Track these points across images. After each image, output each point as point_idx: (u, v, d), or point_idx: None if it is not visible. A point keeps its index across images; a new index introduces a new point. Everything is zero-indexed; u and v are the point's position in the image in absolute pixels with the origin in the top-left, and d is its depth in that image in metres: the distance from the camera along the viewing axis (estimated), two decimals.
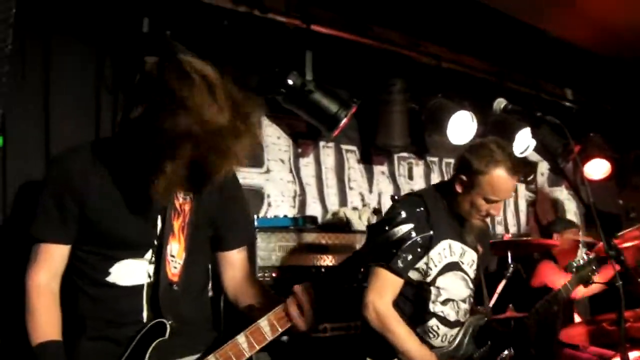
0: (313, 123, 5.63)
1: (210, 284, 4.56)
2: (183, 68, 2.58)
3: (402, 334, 3.90)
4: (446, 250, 4.13)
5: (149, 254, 2.88)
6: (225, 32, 5.04)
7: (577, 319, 6.61)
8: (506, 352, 4.72)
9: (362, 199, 6.55)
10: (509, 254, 5.70)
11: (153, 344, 2.78)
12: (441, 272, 4.10)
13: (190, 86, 2.52)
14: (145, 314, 2.86)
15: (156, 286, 2.86)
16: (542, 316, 4.79)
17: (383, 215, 3.93)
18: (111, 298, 2.85)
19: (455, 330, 4.17)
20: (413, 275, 4.06)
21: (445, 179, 7.20)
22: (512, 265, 5.50)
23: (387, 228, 2.74)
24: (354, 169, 6.52)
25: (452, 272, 4.15)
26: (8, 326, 3.90)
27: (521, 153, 6.88)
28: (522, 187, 8.18)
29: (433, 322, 4.09)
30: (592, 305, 7.48)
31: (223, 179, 2.82)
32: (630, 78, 7.51)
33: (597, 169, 8.11)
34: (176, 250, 2.92)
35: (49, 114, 4.50)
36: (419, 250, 3.98)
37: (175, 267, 2.91)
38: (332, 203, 6.25)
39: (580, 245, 7.12)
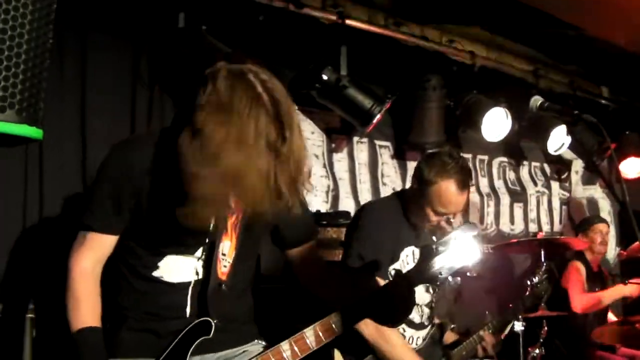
0: (347, 118, 5.64)
1: None
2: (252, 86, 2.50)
3: (399, 345, 3.89)
4: (409, 257, 4.14)
5: (199, 252, 2.84)
6: (261, 27, 5.06)
7: (612, 318, 6.59)
8: (537, 350, 4.72)
9: None
10: (542, 253, 5.67)
11: (197, 342, 2.78)
12: None
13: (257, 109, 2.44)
14: (188, 310, 2.84)
15: (205, 285, 2.83)
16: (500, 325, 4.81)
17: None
18: (155, 292, 2.83)
19: (421, 332, 4.20)
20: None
21: (479, 175, 7.20)
22: (544, 264, 5.47)
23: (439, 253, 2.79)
24: (387, 165, 6.52)
25: None
26: (46, 319, 3.95)
27: (556, 151, 6.84)
28: (556, 185, 8.13)
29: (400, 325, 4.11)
30: (625, 306, 7.43)
31: None
32: None
33: (633, 167, 8.03)
34: (227, 248, 2.89)
35: (85, 108, 4.55)
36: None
37: (225, 266, 2.88)
38: (365, 198, 6.24)
39: (612, 243, 7.08)
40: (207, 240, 2.83)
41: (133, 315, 2.85)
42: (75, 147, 4.49)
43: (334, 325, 2.84)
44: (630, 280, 6.07)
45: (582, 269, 6.51)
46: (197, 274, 2.85)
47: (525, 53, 6.91)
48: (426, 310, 4.25)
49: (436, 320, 4.39)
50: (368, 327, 3.83)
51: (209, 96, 2.50)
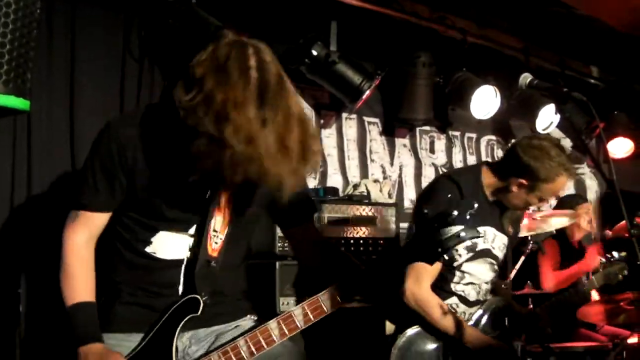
0: (336, 94, 5.63)
1: None
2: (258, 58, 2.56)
3: (437, 317, 3.91)
4: (480, 238, 4.15)
5: (193, 229, 2.84)
6: (251, 1, 5.03)
7: (595, 297, 6.62)
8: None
9: (384, 172, 6.55)
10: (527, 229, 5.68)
11: (185, 319, 2.78)
12: (470, 259, 4.12)
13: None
14: (181, 288, 2.84)
15: (194, 262, 2.83)
16: (557, 309, 4.79)
17: (430, 203, 3.98)
18: (148, 268, 2.84)
19: (474, 309, 4.20)
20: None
21: (467, 153, 7.20)
22: (531, 242, 5.49)
23: (436, 226, 2.76)
24: (376, 141, 6.52)
25: (481, 258, 4.17)
26: (36, 294, 3.95)
27: (544, 129, 6.85)
28: None
29: (452, 300, 4.12)
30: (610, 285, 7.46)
31: None
32: None
33: (621, 147, 8.06)
34: (219, 224, 2.87)
35: (74, 81, 4.53)
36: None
37: (216, 243, 2.87)
38: (353, 175, 6.25)
39: (592, 221, 7.09)
40: (199, 215, 2.82)
41: (127, 289, 2.86)
42: (64, 120, 4.48)
43: (323, 305, 2.83)
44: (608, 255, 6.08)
45: (557, 246, 6.53)
46: (190, 250, 2.85)
47: (515, 31, 6.90)
48: (484, 287, 4.25)
49: (490, 296, 4.38)
50: (410, 301, 3.88)
51: (209, 54, 2.52)
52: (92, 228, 2.81)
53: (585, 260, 6.27)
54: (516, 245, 7.00)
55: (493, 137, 7.53)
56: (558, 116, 6.72)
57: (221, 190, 2.82)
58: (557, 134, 7.85)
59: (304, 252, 3.29)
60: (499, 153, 7.58)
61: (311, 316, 2.82)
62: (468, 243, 4.03)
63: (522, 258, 5.60)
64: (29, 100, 3.37)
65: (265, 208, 3.03)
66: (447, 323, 3.91)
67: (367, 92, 5.49)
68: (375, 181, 6.28)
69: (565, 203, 6.89)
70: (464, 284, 4.13)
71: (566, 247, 6.58)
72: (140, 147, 2.71)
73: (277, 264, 4.93)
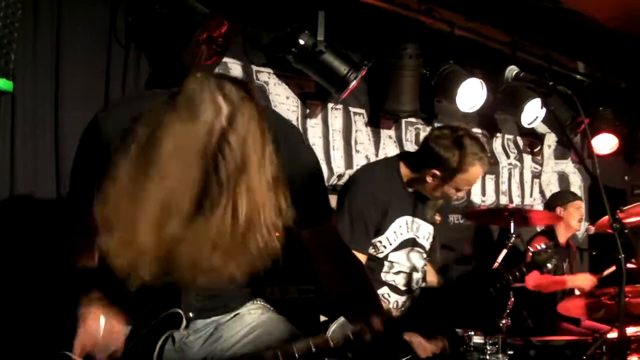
0: (322, 84, 5.63)
1: None
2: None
3: None
4: (402, 228, 4.18)
5: None
6: None
7: (576, 291, 6.65)
8: (504, 321, 4.75)
9: (368, 162, 6.55)
10: (512, 225, 5.70)
11: (164, 336, 2.66)
12: (396, 249, 4.16)
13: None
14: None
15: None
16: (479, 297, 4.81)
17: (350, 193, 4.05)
18: None
19: (405, 297, 4.24)
20: (369, 249, 4.12)
21: None
22: (513, 236, 5.51)
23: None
24: (361, 132, 6.51)
25: (407, 247, 4.21)
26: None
27: (529, 124, 6.88)
28: (528, 159, 8.16)
29: (384, 290, 4.17)
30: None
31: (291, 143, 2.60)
32: None
33: (605, 143, 8.10)
34: None
35: (59, 64, 4.48)
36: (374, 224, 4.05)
37: None
38: (338, 165, 6.24)
39: (583, 219, 7.13)
40: None
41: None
42: (48, 102, 4.44)
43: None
44: (605, 273, 6.13)
45: (543, 240, 6.54)
46: None
47: (503, 25, 6.90)
48: (416, 276, 4.28)
49: (422, 284, 4.41)
50: None
51: None
52: (88, 221, 2.52)
53: (578, 279, 6.32)
54: (498, 239, 7.07)
55: (478, 130, 7.51)
56: (543, 111, 6.74)
57: None
58: (543, 129, 7.90)
59: (315, 261, 2.90)
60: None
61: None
62: (390, 234, 4.08)
63: (504, 252, 5.62)
64: (11, 82, 3.34)
65: None
66: None
67: (354, 83, 5.50)
68: None
69: (556, 199, 6.92)
70: (394, 273, 4.18)
71: (554, 244, 6.60)
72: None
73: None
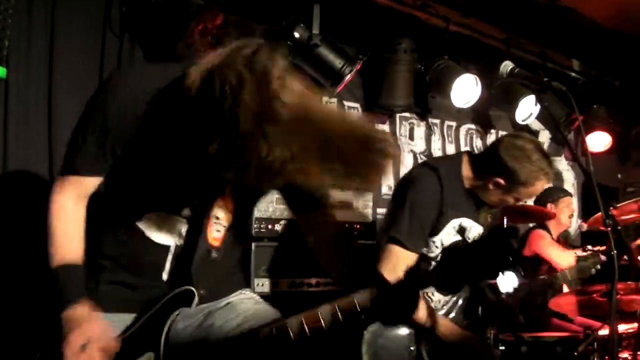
0: (317, 77, 5.61)
1: None
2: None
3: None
4: (456, 229, 4.16)
5: (187, 211, 2.66)
6: None
7: (565, 288, 6.66)
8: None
9: None
10: (505, 220, 5.70)
11: (176, 313, 2.64)
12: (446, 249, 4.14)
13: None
14: (165, 275, 2.71)
15: (192, 249, 2.67)
16: (528, 298, 4.81)
17: (412, 191, 3.98)
18: (136, 246, 2.69)
19: (449, 296, 4.22)
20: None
21: (447, 141, 7.20)
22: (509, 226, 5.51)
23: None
24: None
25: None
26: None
27: (524, 120, 6.89)
28: None
29: (429, 289, 4.14)
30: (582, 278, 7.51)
31: None
32: (638, 53, 7.48)
33: (599, 141, 8.11)
34: (222, 212, 2.70)
35: (53, 52, 4.48)
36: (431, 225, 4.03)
37: (218, 231, 2.71)
38: None
39: (575, 215, 7.14)
40: (198, 202, 2.66)
41: (110, 266, 2.74)
42: (42, 90, 4.43)
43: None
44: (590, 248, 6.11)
45: (547, 234, 6.57)
46: (180, 237, 2.70)
47: (498, 21, 6.90)
48: None
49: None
50: None
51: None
52: (80, 191, 2.63)
53: (554, 254, 6.32)
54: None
55: (472, 126, 7.53)
56: (538, 107, 6.75)
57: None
58: (537, 125, 7.89)
59: (316, 247, 2.89)
60: (477, 142, 7.59)
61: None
62: (444, 235, 4.07)
63: None
64: (5, 69, 3.33)
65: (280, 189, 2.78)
66: (420, 313, 3.92)
67: (348, 77, 5.50)
68: None
69: (546, 196, 6.92)
70: None
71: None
72: (146, 110, 2.43)
73: (253, 245, 4.92)
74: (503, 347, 4.65)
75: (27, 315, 3.79)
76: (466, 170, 4.19)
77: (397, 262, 3.88)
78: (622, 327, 5.10)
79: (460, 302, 4.21)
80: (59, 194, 2.63)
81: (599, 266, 5.10)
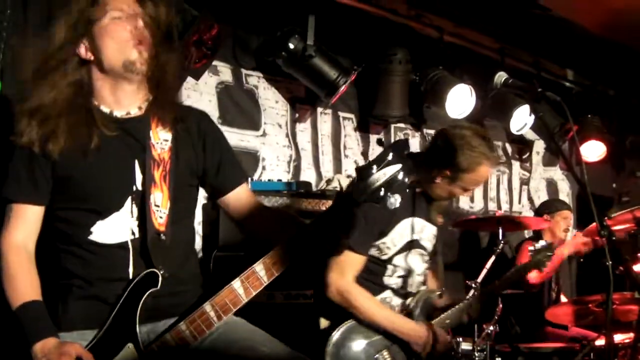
0: (312, 88, 5.63)
1: (201, 245, 4.58)
2: None
3: (366, 306, 3.92)
4: (407, 229, 4.17)
5: (127, 204, 2.83)
6: None
7: (563, 299, 6.66)
8: (491, 327, 4.74)
9: None
10: (500, 231, 5.70)
11: (145, 295, 2.75)
12: (399, 251, 4.14)
13: None
14: (131, 270, 2.82)
15: (144, 237, 2.82)
16: (488, 296, 4.78)
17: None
18: (95, 256, 2.81)
19: (408, 300, 4.22)
20: (372, 251, 4.09)
21: None
22: (502, 242, 5.51)
23: (373, 171, 2.71)
24: (350, 137, 6.51)
25: (410, 250, 4.19)
26: None
27: (518, 130, 6.89)
28: (516, 165, 8.18)
29: (387, 294, 4.15)
30: (578, 286, 7.53)
31: (201, 126, 3.06)
32: (633, 63, 7.50)
33: (593, 150, 8.11)
34: (160, 199, 2.87)
35: None
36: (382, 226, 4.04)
37: (161, 217, 2.86)
38: (327, 170, 6.24)
39: (570, 229, 7.13)
40: (134, 190, 2.85)
41: (78, 283, 2.83)
42: None
43: (281, 258, 2.80)
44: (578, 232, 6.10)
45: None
46: (132, 233, 2.84)
47: (492, 31, 6.91)
48: (417, 279, 4.27)
49: (423, 287, 4.39)
50: (334, 294, 3.89)
51: None
52: (26, 225, 2.81)
53: (568, 245, 6.28)
54: (487, 245, 7.08)
55: None
56: (532, 117, 6.75)
57: (151, 165, 2.87)
58: (531, 135, 7.91)
59: (246, 217, 3.19)
60: None
61: (273, 270, 2.79)
62: (395, 235, 4.06)
63: (493, 258, 5.61)
64: (0, 81, 3.32)
65: (198, 179, 3.10)
66: (379, 316, 3.93)
67: (343, 87, 5.51)
68: (349, 177, 6.27)
69: (544, 207, 6.93)
70: (397, 277, 4.16)
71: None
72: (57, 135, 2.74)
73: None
74: (500, 358, 4.65)
75: None
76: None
77: (345, 265, 3.89)
78: (619, 337, 5.10)
79: (419, 308, 4.21)
80: (7, 231, 2.82)
81: (550, 256, 5.08)
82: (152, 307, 2.79)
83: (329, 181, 6.05)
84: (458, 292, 4.76)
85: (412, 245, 4.20)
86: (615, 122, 8.62)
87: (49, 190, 2.81)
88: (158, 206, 2.87)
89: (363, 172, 2.69)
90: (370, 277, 4.09)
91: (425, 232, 4.28)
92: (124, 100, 2.92)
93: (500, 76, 3.91)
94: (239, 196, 3.17)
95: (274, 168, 5.84)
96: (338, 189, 5.83)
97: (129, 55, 2.80)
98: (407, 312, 4.20)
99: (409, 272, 4.21)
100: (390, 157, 2.68)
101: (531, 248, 5.06)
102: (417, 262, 4.26)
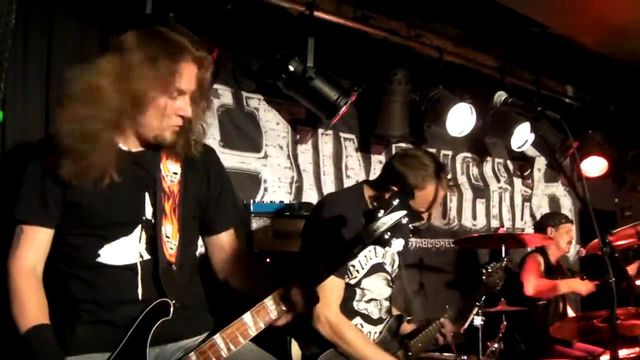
0: (312, 110, 5.64)
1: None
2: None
3: (357, 341, 3.89)
4: (371, 252, 4.15)
5: (137, 231, 2.87)
6: (229, 16, 5.03)
7: (571, 313, 6.66)
8: (496, 345, 4.75)
9: None
10: (503, 248, 5.71)
11: (156, 324, 2.79)
12: (367, 274, 4.12)
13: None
14: (140, 292, 2.85)
15: (155, 265, 2.86)
16: (460, 315, 4.77)
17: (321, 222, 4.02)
18: (104, 279, 2.83)
19: (379, 327, 4.20)
20: None
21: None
22: (505, 259, 5.51)
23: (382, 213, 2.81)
24: (352, 158, 6.52)
25: (376, 273, 4.18)
26: None
27: (519, 148, 6.91)
28: (518, 182, 8.19)
29: (357, 321, 4.11)
30: (583, 302, 7.51)
31: (207, 160, 3.14)
32: (631, 78, 7.52)
33: (594, 166, 8.13)
34: (170, 231, 2.93)
35: (49, 91, 4.49)
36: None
37: (171, 249, 2.91)
38: (329, 190, 6.24)
39: (573, 242, 7.14)
40: (143, 219, 2.89)
41: (85, 308, 2.84)
42: (38, 132, 4.43)
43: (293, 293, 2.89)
44: (588, 278, 6.14)
45: (541, 260, 6.58)
46: (141, 256, 2.87)
47: (492, 49, 6.94)
48: (385, 304, 4.26)
49: (394, 312, 4.39)
50: (324, 327, 3.83)
51: None
52: (36, 249, 2.82)
53: (577, 283, 6.31)
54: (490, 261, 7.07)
55: (469, 155, 7.56)
56: (533, 135, 6.77)
57: (162, 197, 2.93)
58: (532, 152, 7.93)
59: (224, 265, 3.28)
60: (474, 171, 7.63)
61: (283, 306, 2.88)
62: (361, 258, 4.06)
63: None
64: (2, 111, 3.34)
65: (201, 212, 3.16)
66: (367, 351, 3.90)
67: (344, 108, 5.52)
68: None
69: (547, 220, 6.94)
70: (366, 302, 4.14)
71: (546, 263, 6.64)
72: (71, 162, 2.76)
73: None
74: None
75: None
76: (368, 192, 4.19)
77: (329, 293, 3.84)
78: (624, 352, 5.10)
79: (389, 332, 4.21)
80: (17, 255, 2.82)
81: (503, 278, 5.08)
82: (161, 332, 2.82)
83: None
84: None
85: (377, 268, 4.18)
86: (616, 137, 8.64)
87: (59, 214, 2.83)
88: (168, 237, 2.92)
89: (371, 215, 2.81)
90: (341, 303, 3.99)
91: (387, 257, 4.27)
92: (142, 142, 2.97)
93: (500, 95, 3.93)
94: (222, 241, 3.28)
95: (275, 190, 5.85)
96: None
97: (164, 135, 2.90)
98: (379, 340, 4.19)
99: (376, 297, 4.20)
100: (396, 202, 2.82)
101: (483, 269, 5.03)
102: (384, 286, 4.24)
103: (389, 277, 4.26)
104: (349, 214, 3.80)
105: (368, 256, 4.12)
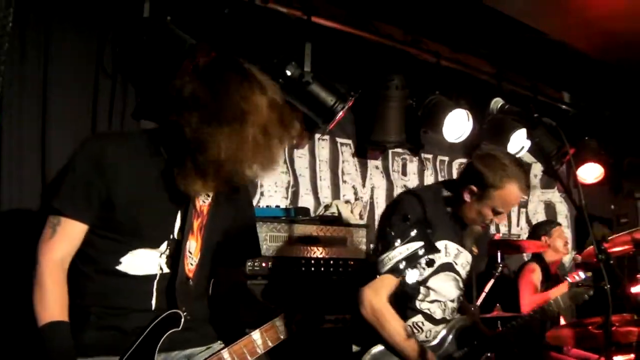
0: (309, 115, 5.63)
1: None
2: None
3: (395, 331, 3.89)
4: (442, 251, 4.13)
5: (163, 246, 2.89)
6: (226, 20, 5.04)
7: (562, 321, 6.65)
8: (488, 354, 4.73)
9: (355, 193, 6.55)
10: (499, 254, 5.72)
11: (166, 334, 2.82)
12: (434, 273, 4.10)
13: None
14: (154, 303, 2.86)
15: (173, 278, 2.88)
16: (524, 330, 4.77)
17: (392, 223, 3.98)
18: (119, 286, 2.82)
19: (440, 327, 4.18)
20: None
21: (439, 176, 7.23)
22: (500, 265, 5.52)
23: (397, 244, 2.80)
24: (348, 163, 6.53)
25: (444, 272, 4.15)
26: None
27: (515, 154, 6.90)
28: None
29: (418, 319, 4.10)
30: (578, 309, 7.51)
31: (240, 193, 3.16)
32: (629, 84, 7.53)
33: (590, 173, 8.13)
34: (194, 248, 2.96)
35: (46, 94, 4.49)
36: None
37: (191, 264, 2.95)
38: (325, 195, 6.25)
39: (569, 242, 7.15)
40: (171, 236, 2.90)
41: (96, 312, 2.82)
42: (35, 134, 4.44)
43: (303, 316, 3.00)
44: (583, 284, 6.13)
45: (538, 270, 6.57)
46: (161, 268, 2.89)
47: (489, 56, 6.95)
48: (450, 305, 4.24)
49: (457, 315, 4.36)
50: (366, 309, 3.82)
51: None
52: (69, 242, 2.78)
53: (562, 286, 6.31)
54: (486, 268, 7.07)
55: (465, 160, 7.55)
56: (529, 141, 6.78)
57: (192, 214, 2.95)
58: (529, 159, 7.92)
59: (224, 297, 3.33)
60: None
61: (292, 326, 2.95)
62: (427, 258, 4.04)
63: (492, 281, 5.63)
64: None
65: (223, 239, 3.17)
66: (404, 344, 3.90)
67: (340, 113, 5.51)
68: (347, 202, 6.29)
69: (539, 229, 6.94)
70: (429, 302, 4.12)
71: (545, 271, 6.63)
72: (121, 163, 2.80)
73: (247, 283, 4.91)
74: None
75: None
76: (446, 193, 4.20)
77: (379, 284, 3.86)
78: (619, 359, 5.09)
79: (451, 335, 4.18)
80: (48, 246, 2.76)
81: (591, 292, 5.08)
82: (168, 340, 2.84)
83: (327, 207, 6.07)
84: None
85: (445, 268, 4.16)
86: (613, 144, 8.64)
87: (97, 213, 2.80)
88: (191, 253, 2.95)
89: (387, 243, 2.83)
90: (403, 300, 4.03)
91: (460, 258, 4.25)
92: None
93: (497, 102, 3.93)
94: (230, 275, 3.34)
95: (272, 194, 5.85)
96: (336, 214, 5.85)
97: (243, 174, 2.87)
98: (440, 339, 4.18)
99: (441, 298, 4.19)
100: (413, 233, 2.85)
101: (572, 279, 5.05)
102: (451, 288, 4.22)
103: (458, 278, 4.25)
104: (417, 217, 3.85)
105: (437, 255, 4.10)
